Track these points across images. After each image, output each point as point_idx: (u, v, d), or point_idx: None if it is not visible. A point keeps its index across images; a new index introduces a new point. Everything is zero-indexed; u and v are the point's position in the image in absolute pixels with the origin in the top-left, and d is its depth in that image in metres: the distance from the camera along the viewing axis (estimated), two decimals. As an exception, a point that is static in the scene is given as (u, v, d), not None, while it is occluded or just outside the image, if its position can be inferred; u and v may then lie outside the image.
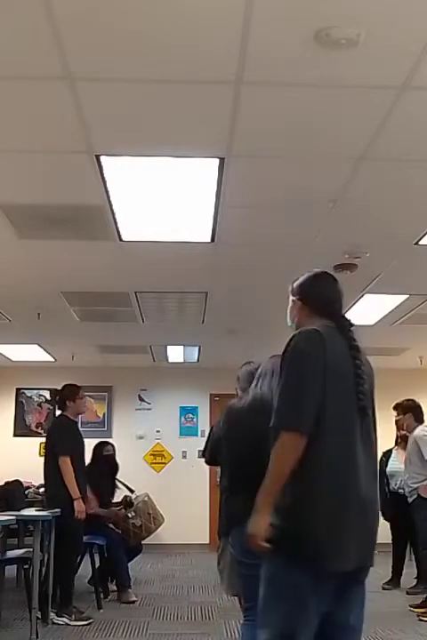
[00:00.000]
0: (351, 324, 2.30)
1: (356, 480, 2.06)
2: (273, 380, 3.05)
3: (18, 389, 9.93)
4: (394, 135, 3.09)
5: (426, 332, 7.46)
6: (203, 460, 3.81)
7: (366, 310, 6.42)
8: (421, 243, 4.54)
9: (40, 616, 4.76)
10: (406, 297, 6.00)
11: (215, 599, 5.89)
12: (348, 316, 2.37)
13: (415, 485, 5.49)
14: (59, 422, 5.56)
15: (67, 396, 5.44)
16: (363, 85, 2.71)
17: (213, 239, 4.48)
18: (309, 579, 1.97)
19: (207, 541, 8.89)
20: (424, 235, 4.40)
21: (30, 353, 8.64)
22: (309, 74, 2.62)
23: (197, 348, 8.61)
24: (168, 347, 8.53)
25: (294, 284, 2.46)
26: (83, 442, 5.50)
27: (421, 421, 5.71)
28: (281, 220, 4.20)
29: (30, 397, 9.98)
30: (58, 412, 5.71)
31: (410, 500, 5.59)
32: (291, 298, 2.44)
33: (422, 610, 5.28)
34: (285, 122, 3.00)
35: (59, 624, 4.89)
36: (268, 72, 2.62)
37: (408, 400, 5.85)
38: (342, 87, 2.72)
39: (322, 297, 2.40)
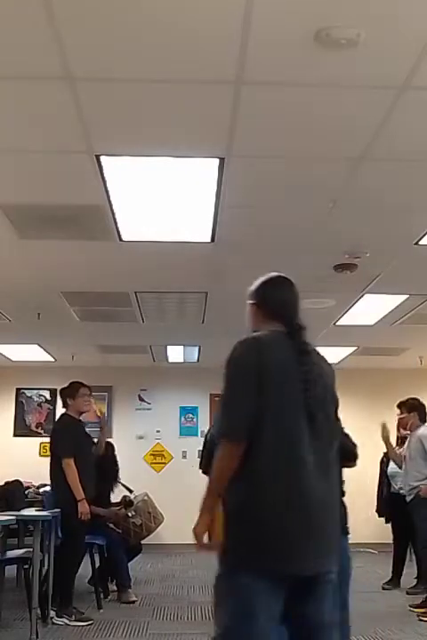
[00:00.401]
0: (302, 328, 2.32)
1: (302, 483, 2.06)
2: None
3: (18, 389, 9.94)
4: (394, 135, 3.10)
5: (426, 332, 7.46)
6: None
7: (366, 310, 6.42)
8: (421, 243, 4.54)
9: (40, 616, 4.76)
10: (406, 297, 6.00)
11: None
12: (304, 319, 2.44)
13: (416, 484, 5.48)
14: (60, 422, 5.52)
15: (68, 393, 5.42)
16: (363, 85, 2.71)
17: (213, 239, 4.48)
18: (254, 581, 1.99)
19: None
20: (424, 235, 4.40)
21: (30, 353, 8.64)
22: (309, 74, 2.62)
23: (197, 348, 8.62)
24: (168, 347, 8.53)
25: (251, 288, 2.47)
26: (89, 440, 5.46)
27: (424, 421, 5.71)
28: (281, 220, 4.20)
29: (30, 397, 9.98)
30: (62, 411, 5.65)
31: (409, 498, 5.59)
32: (247, 302, 2.45)
33: (423, 610, 5.28)
34: (285, 122, 3.00)
35: (59, 624, 4.89)
36: (268, 72, 2.62)
37: (413, 399, 5.84)
38: (342, 87, 2.72)
39: (275, 301, 2.40)
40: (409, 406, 5.76)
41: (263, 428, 2.06)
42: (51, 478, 5.31)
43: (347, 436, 3.29)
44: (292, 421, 2.09)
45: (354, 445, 3.37)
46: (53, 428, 5.72)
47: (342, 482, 3.03)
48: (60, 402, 9.95)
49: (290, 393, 2.13)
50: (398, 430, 5.86)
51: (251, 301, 2.43)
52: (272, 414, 2.08)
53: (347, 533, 3.29)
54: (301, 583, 2.04)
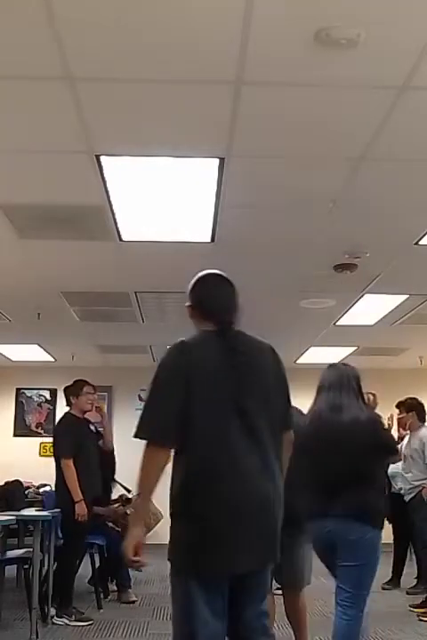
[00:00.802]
0: (232, 326, 2.31)
1: (231, 483, 2.07)
2: (340, 394, 3.25)
3: (18, 389, 9.94)
4: (394, 135, 3.10)
5: (426, 332, 7.46)
6: None
7: (366, 310, 6.42)
8: (421, 243, 4.54)
9: (40, 616, 4.76)
10: (406, 297, 6.00)
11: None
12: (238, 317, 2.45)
13: (417, 483, 5.47)
14: (62, 421, 5.49)
15: (71, 391, 5.39)
16: (363, 85, 2.71)
17: (213, 239, 4.48)
18: (194, 583, 2.05)
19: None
20: (424, 235, 4.40)
21: (30, 353, 8.64)
22: (309, 74, 2.62)
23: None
24: (168, 347, 8.51)
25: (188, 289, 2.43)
26: (93, 438, 5.43)
27: (423, 420, 5.70)
28: (281, 219, 4.20)
29: (30, 397, 9.98)
30: (63, 410, 5.63)
31: (408, 498, 5.58)
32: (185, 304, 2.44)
33: (423, 610, 5.28)
34: (285, 122, 3.00)
35: (59, 624, 4.89)
36: (268, 72, 2.62)
37: (411, 398, 5.84)
38: (342, 87, 2.72)
39: (206, 301, 2.39)
40: (408, 406, 5.77)
41: (192, 430, 2.07)
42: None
43: (385, 429, 3.44)
44: (220, 421, 2.10)
45: (388, 439, 3.43)
46: (55, 428, 5.69)
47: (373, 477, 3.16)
48: (60, 402, 9.99)
49: (218, 392, 2.13)
50: (398, 430, 5.85)
51: (187, 303, 2.42)
52: (200, 415, 2.09)
53: (375, 525, 3.17)
54: (239, 580, 2.10)
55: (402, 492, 5.74)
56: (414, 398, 5.84)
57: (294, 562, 3.40)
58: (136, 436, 2.11)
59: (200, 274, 2.44)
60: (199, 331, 2.31)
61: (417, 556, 6.19)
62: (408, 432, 5.75)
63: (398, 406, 5.90)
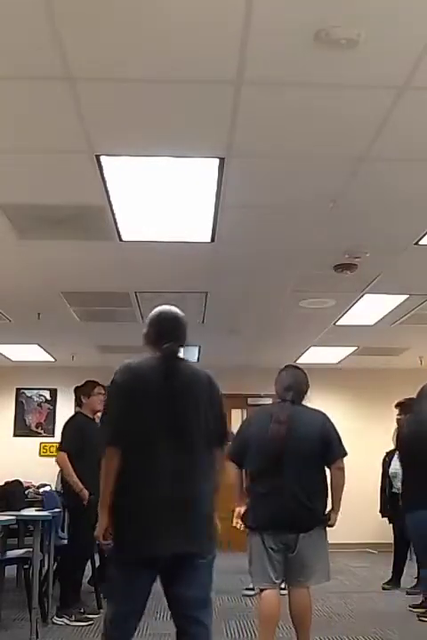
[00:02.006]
0: (173, 354, 2.72)
1: (157, 484, 2.49)
2: None
3: (18, 389, 9.93)
4: (394, 135, 3.10)
5: (426, 332, 7.46)
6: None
7: (366, 310, 6.42)
8: (421, 243, 4.54)
9: (40, 616, 4.76)
10: (406, 297, 6.00)
11: (215, 599, 5.87)
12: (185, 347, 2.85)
13: None
14: (71, 419, 5.51)
15: (83, 391, 5.43)
16: (363, 85, 2.71)
17: (213, 239, 4.48)
18: (128, 564, 2.49)
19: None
20: (424, 235, 4.40)
21: (30, 353, 8.64)
22: (309, 74, 2.63)
23: (197, 348, 8.61)
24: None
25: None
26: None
27: None
28: (281, 219, 4.20)
29: (30, 397, 9.98)
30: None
31: None
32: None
33: (422, 610, 5.27)
34: (285, 122, 3.00)
35: (59, 624, 4.89)
36: (268, 72, 2.62)
37: (411, 399, 5.82)
38: (342, 87, 2.73)
39: (155, 330, 2.79)
40: (407, 408, 5.73)
41: (130, 436, 2.52)
42: None
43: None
44: (151, 433, 2.55)
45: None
46: (64, 425, 5.70)
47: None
48: (60, 402, 10.00)
49: (152, 408, 2.57)
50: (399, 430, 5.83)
51: (143, 331, 2.85)
52: (135, 426, 2.54)
53: None
54: (167, 564, 2.50)
55: (398, 487, 5.70)
56: (414, 399, 5.82)
57: (321, 557, 3.59)
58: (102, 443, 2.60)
59: (157, 308, 2.86)
60: (147, 355, 2.76)
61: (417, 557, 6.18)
62: None
63: (397, 406, 5.89)
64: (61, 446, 5.16)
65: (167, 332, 2.76)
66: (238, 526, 3.83)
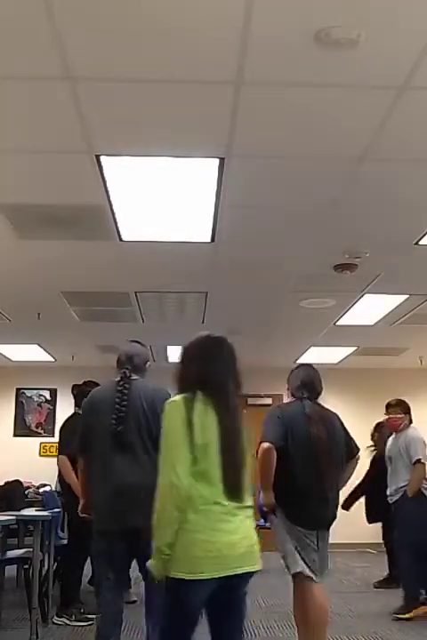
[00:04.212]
0: (125, 379, 3.49)
1: (110, 478, 3.26)
2: None
3: (18, 389, 9.94)
4: (394, 135, 3.10)
5: (426, 332, 7.46)
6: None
7: (366, 310, 6.42)
8: (421, 243, 4.54)
9: (40, 616, 4.76)
10: (406, 297, 6.00)
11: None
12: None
13: (403, 484, 5.39)
14: (67, 420, 5.49)
15: (83, 391, 5.41)
16: (363, 85, 2.71)
17: (213, 239, 4.48)
18: (102, 536, 3.31)
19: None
20: (424, 235, 4.40)
21: (30, 353, 8.64)
22: (309, 74, 2.63)
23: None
24: (168, 347, 8.52)
25: None
26: None
27: (411, 422, 5.66)
28: (281, 219, 4.20)
29: (30, 397, 9.98)
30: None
31: (395, 498, 5.40)
32: None
33: (408, 614, 5.26)
34: (285, 122, 3.00)
35: (59, 624, 4.89)
36: (268, 72, 2.62)
37: (403, 400, 5.76)
38: (342, 87, 2.73)
39: (118, 360, 3.71)
40: (405, 408, 5.67)
41: (91, 445, 3.39)
42: None
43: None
44: (103, 442, 3.32)
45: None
46: (60, 428, 5.69)
47: None
48: (60, 402, 9.99)
49: (105, 422, 3.33)
50: (393, 432, 5.75)
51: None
52: (93, 438, 3.38)
53: None
54: (126, 537, 3.19)
55: (388, 493, 5.52)
56: (404, 400, 5.74)
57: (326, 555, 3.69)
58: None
59: (125, 344, 3.81)
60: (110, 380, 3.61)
61: (392, 555, 6.09)
62: (393, 434, 5.68)
63: (388, 407, 5.77)
64: (61, 450, 5.13)
65: (124, 360, 3.71)
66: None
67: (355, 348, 8.47)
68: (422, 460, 5.34)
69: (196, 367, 2.44)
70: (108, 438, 3.29)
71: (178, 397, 2.36)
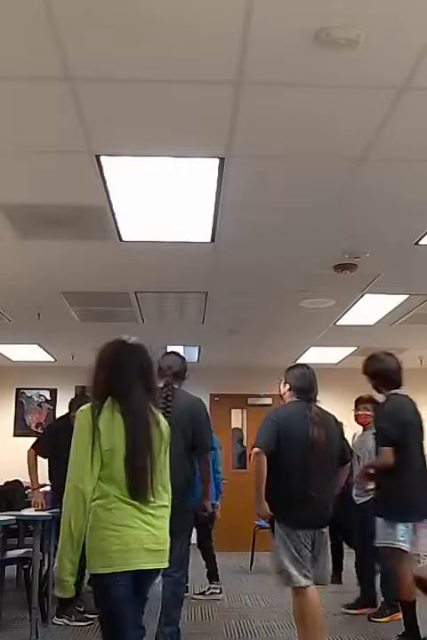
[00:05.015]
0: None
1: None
2: None
3: (18, 389, 9.94)
4: (394, 135, 3.10)
5: (426, 332, 7.46)
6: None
7: (366, 310, 6.42)
8: (421, 243, 4.54)
9: (40, 616, 4.76)
10: (406, 297, 6.00)
11: (215, 599, 5.88)
12: None
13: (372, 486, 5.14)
14: (55, 420, 5.53)
15: (81, 397, 5.44)
16: (363, 85, 2.71)
17: (213, 239, 4.48)
18: None
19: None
20: (424, 235, 4.40)
21: (30, 353, 8.64)
22: (309, 74, 2.62)
23: (196, 348, 8.61)
24: (168, 347, 8.52)
25: None
26: None
27: None
28: (281, 219, 4.20)
29: (30, 397, 9.98)
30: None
31: (363, 499, 5.21)
32: None
33: (358, 611, 5.24)
34: (285, 122, 3.00)
35: (59, 624, 4.89)
36: (268, 72, 2.62)
37: (371, 396, 5.60)
38: (342, 87, 2.73)
39: (160, 369, 3.91)
40: (374, 403, 5.55)
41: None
42: None
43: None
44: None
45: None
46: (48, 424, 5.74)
47: None
48: (60, 402, 9.99)
49: None
50: (364, 427, 5.65)
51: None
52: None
53: None
54: None
55: (354, 494, 5.36)
56: (374, 397, 5.54)
57: (329, 556, 3.82)
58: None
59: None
60: None
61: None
62: (361, 431, 5.63)
63: (359, 402, 5.67)
64: (34, 443, 5.27)
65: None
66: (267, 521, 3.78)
67: (355, 348, 8.47)
68: None
69: (104, 374, 2.58)
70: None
71: (86, 406, 2.52)
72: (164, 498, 2.57)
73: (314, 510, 3.60)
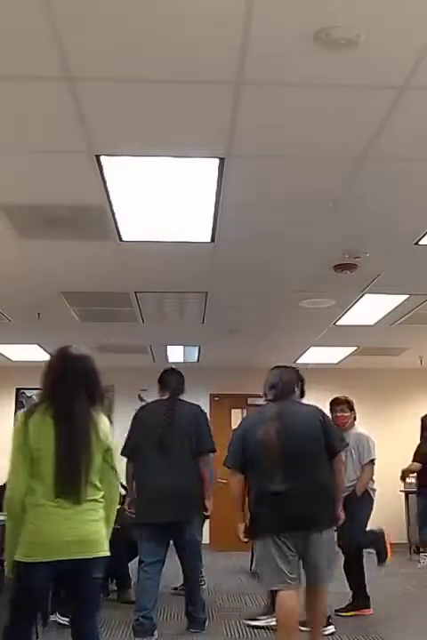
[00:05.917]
0: (172, 398, 4.62)
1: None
2: None
3: (18, 389, 9.93)
4: (394, 135, 3.10)
5: (426, 332, 7.46)
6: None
7: (366, 310, 6.42)
8: (421, 243, 4.55)
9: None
10: (406, 297, 6.01)
11: (215, 599, 5.89)
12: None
13: (350, 484, 5.20)
14: None
15: None
16: (363, 85, 2.71)
17: (213, 239, 4.48)
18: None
19: (207, 541, 8.89)
20: (424, 235, 4.40)
21: (30, 353, 8.63)
22: (309, 74, 2.63)
23: (196, 348, 8.62)
24: (168, 347, 8.53)
25: None
26: None
27: (355, 420, 5.63)
28: (281, 219, 4.20)
29: (30, 397, 9.96)
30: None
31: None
32: None
33: (351, 613, 5.26)
34: (285, 122, 3.00)
35: (59, 624, 4.89)
36: (268, 72, 2.62)
37: (347, 397, 5.66)
38: (342, 87, 2.73)
39: (164, 383, 4.86)
40: (351, 405, 5.60)
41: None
42: None
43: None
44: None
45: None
46: None
47: None
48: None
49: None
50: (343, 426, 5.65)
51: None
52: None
53: None
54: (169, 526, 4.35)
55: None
56: (349, 398, 5.64)
57: (331, 559, 3.69)
58: None
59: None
60: None
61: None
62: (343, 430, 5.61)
63: (336, 403, 5.62)
64: None
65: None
66: (244, 539, 3.81)
67: (355, 347, 8.47)
68: (374, 460, 5.36)
69: (49, 379, 2.90)
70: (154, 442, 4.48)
71: (22, 411, 2.78)
72: (95, 494, 2.78)
73: (289, 508, 3.50)
